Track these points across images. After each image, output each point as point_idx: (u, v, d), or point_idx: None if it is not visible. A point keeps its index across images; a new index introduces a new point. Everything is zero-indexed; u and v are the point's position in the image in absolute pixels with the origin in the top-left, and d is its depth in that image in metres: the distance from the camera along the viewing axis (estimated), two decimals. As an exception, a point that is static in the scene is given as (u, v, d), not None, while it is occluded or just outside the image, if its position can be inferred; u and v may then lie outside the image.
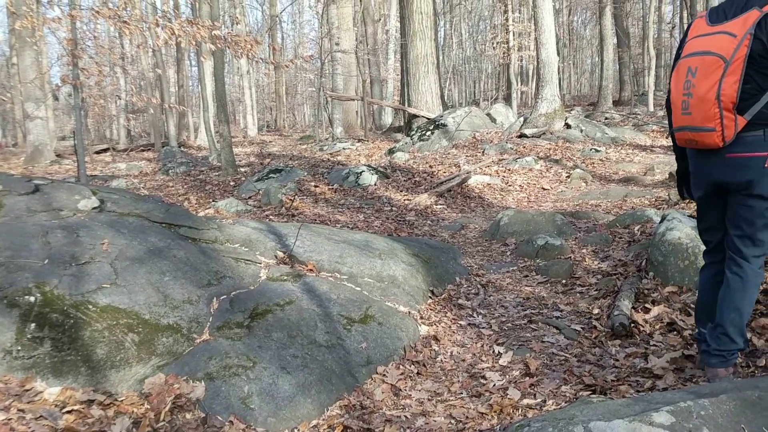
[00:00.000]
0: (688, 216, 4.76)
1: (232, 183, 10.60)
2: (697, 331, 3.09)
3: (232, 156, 11.95)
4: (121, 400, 2.75)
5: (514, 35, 27.53)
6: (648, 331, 3.64)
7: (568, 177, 9.75)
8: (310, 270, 4.17)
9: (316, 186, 9.23)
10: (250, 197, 8.85)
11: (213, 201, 8.74)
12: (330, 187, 9.25)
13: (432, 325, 4.01)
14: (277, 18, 32.22)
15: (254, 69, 27.83)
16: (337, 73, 18.72)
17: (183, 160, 14.94)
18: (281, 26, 40.91)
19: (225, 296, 3.53)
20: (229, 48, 7.93)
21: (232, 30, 21.84)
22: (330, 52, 18.47)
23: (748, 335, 3.32)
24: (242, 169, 12.00)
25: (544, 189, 9.26)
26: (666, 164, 10.22)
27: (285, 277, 3.92)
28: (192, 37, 7.35)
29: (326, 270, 4.25)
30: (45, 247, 3.25)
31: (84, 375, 2.80)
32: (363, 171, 9.57)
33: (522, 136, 13.12)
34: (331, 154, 13.16)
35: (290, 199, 7.96)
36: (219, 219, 4.82)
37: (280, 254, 4.27)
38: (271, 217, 7.31)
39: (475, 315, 4.24)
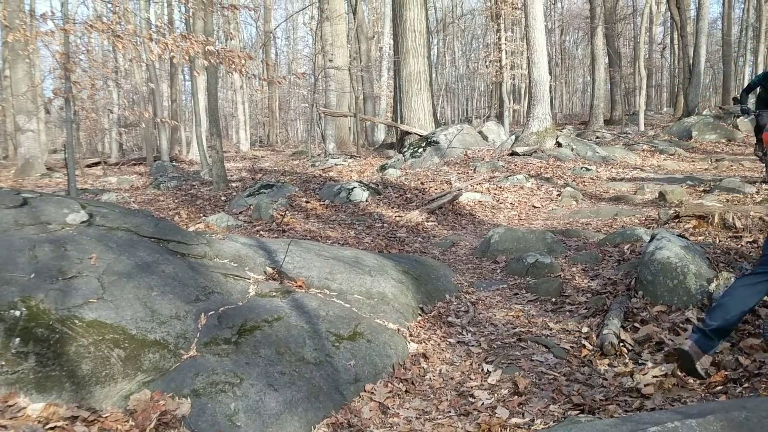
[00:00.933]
0: (678, 235, 4.78)
1: (223, 198, 10.58)
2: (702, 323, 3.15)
3: (223, 171, 11.94)
4: (106, 417, 2.72)
5: (506, 54, 27.73)
6: (637, 351, 3.64)
7: (558, 195, 9.78)
8: (300, 286, 4.16)
9: (307, 202, 9.22)
10: (241, 212, 8.83)
11: (204, 216, 8.72)
12: (321, 203, 9.25)
13: (421, 343, 4.00)
14: (271, 34, 32.37)
15: (247, 84, 27.89)
16: (330, 90, 18.79)
17: (174, 174, 14.91)
18: (275, 42, 41.09)
19: (213, 312, 3.51)
20: (222, 63, 7.94)
21: (226, 45, 21.92)
22: (323, 68, 18.55)
23: (735, 354, 3.33)
24: (234, 184, 11.98)
25: (535, 207, 9.28)
26: (656, 183, 10.28)
27: (274, 294, 3.91)
28: (185, 51, 7.36)
29: (315, 286, 4.24)
30: (32, 261, 3.22)
31: (68, 391, 2.77)
32: (354, 187, 9.57)
33: (513, 154, 13.17)
34: (323, 169, 13.16)
35: (281, 215, 7.94)
36: (209, 234, 4.80)
37: (270, 270, 4.26)
38: (261, 232, 7.29)
39: (464, 333, 4.23)
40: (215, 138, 11.87)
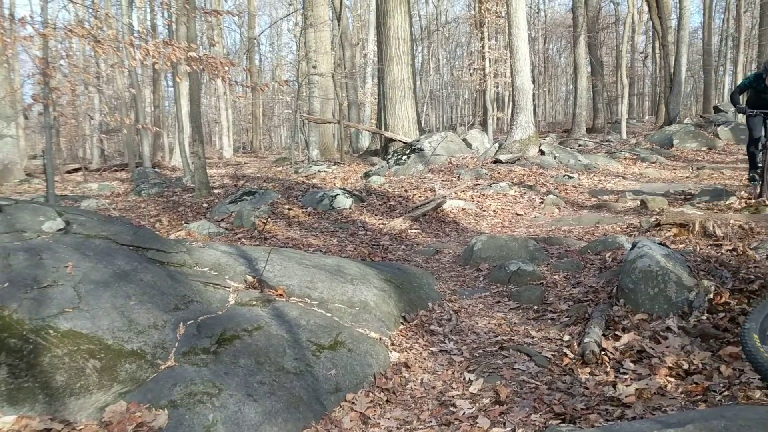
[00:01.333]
0: (658, 243, 4.80)
1: (205, 205, 10.50)
2: None
3: (206, 177, 11.86)
4: (80, 429, 2.67)
5: (490, 62, 27.87)
6: (618, 359, 3.64)
7: (541, 203, 9.81)
8: (280, 295, 4.12)
9: (289, 209, 9.17)
10: (222, 219, 8.76)
11: (185, 223, 8.64)
12: (304, 210, 9.20)
13: (403, 352, 3.97)
14: (255, 40, 32.29)
15: (230, 91, 27.80)
16: (314, 96, 18.76)
17: (156, 180, 14.79)
18: (259, 48, 41.02)
19: (192, 321, 3.47)
20: (205, 70, 7.88)
21: (209, 52, 21.84)
22: (307, 74, 18.52)
23: (715, 363, 3.34)
24: (216, 191, 11.90)
25: (518, 214, 9.30)
26: (637, 191, 10.35)
27: (254, 302, 3.87)
28: (167, 58, 7.30)
29: (296, 295, 4.20)
30: (5, 270, 3.16)
31: (42, 403, 2.71)
32: (338, 194, 9.54)
33: (497, 161, 13.21)
34: (306, 176, 13.12)
35: (263, 222, 7.89)
36: (188, 242, 4.75)
37: (250, 279, 4.22)
38: (243, 240, 7.23)
39: (446, 341, 4.21)
40: (198, 144, 11.79)
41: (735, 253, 5.06)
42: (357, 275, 4.66)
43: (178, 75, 14.21)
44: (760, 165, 7.73)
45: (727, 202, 8.24)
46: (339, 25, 23.01)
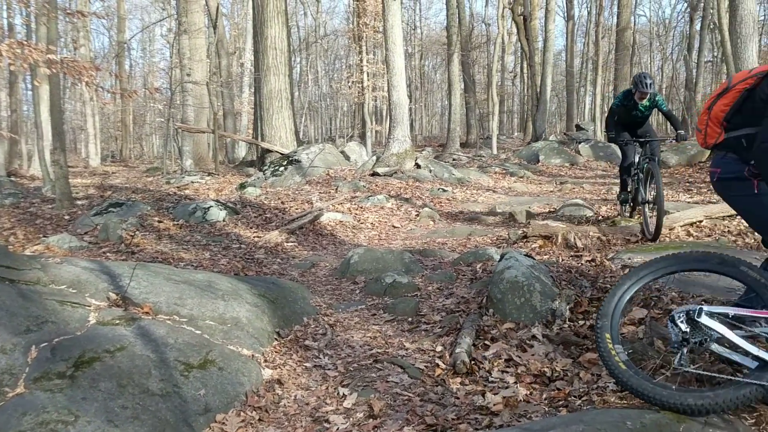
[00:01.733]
0: (525, 255, 5.02)
1: (67, 217, 9.85)
2: None
3: (68, 188, 11.14)
4: None
5: (368, 75, 28.27)
6: (487, 368, 3.74)
7: (417, 215, 10.02)
8: (146, 313, 3.91)
9: (160, 221, 8.79)
10: (86, 233, 8.25)
11: (44, 236, 8.05)
12: (175, 222, 8.85)
13: (276, 368, 3.89)
14: (125, 45, 30.90)
15: (96, 97, 26.41)
16: (188, 104, 18.18)
17: (12, 190, 13.70)
18: (130, 53, 39.29)
19: (46, 343, 3.21)
20: (67, 73, 7.42)
21: (74, 54, 20.64)
22: (181, 82, 17.93)
23: (576, 369, 3.52)
24: (80, 202, 11.21)
25: (395, 227, 9.44)
26: (506, 204, 10.81)
27: (117, 321, 3.64)
28: (23, 60, 6.81)
29: (164, 312, 4.01)
30: None
31: None
32: (211, 206, 9.26)
33: (375, 174, 13.37)
34: (178, 187, 12.65)
35: (131, 235, 7.51)
36: (44, 258, 4.42)
37: (113, 296, 3.98)
38: (108, 254, 6.84)
39: (321, 356, 4.16)
40: (59, 152, 11.05)
41: (594, 264, 5.38)
42: (229, 291, 4.52)
43: (36, 78, 13.29)
44: (629, 190, 7.67)
45: (587, 215, 8.78)
46: (215, 32, 22.50)
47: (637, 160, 7.31)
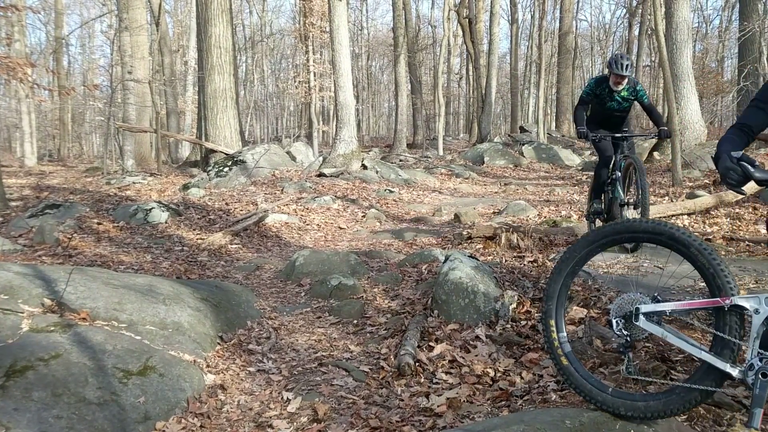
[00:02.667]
0: (469, 256, 5.07)
1: (0, 219, 9.47)
2: None
3: (1, 188, 10.71)
4: None
5: (315, 75, 28.16)
6: (432, 369, 3.77)
7: (363, 216, 10.02)
8: (83, 319, 3.80)
9: (99, 223, 8.54)
10: (20, 235, 7.94)
11: (-26, 239, 7.72)
12: (115, 224, 8.61)
13: (219, 374, 3.83)
14: (63, 41, 29.95)
15: (32, 94, 25.46)
16: (129, 103, 17.73)
17: (-59, 191, 13.09)
18: (68, 50, 38.10)
19: (-26, 353, 3.08)
20: (-1, 70, 7.14)
21: (8, 50, 19.89)
22: (122, 80, 17.48)
23: (518, 369, 3.57)
24: (14, 204, 10.78)
25: (341, 228, 9.42)
26: (452, 205, 10.92)
27: (52, 328, 3.53)
28: (-49, 54, 6.52)
29: (102, 318, 3.90)
30: None
31: None
32: (153, 207, 9.05)
33: (321, 175, 13.32)
34: (119, 188, 12.32)
35: (68, 238, 7.27)
36: (-26, 262, 4.24)
37: (48, 302, 3.85)
38: (44, 258, 6.60)
39: (265, 360, 4.12)
40: (-8, 152, 10.62)
41: (536, 264, 5.48)
42: (170, 295, 4.43)
43: (-34, 74, 12.75)
44: (603, 200, 6.22)
45: (530, 216, 8.95)
46: (158, 30, 21.99)
47: (617, 152, 5.96)
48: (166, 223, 8.80)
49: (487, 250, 6.45)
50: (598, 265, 5.23)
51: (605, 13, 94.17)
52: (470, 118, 35.18)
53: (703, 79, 26.13)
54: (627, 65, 5.74)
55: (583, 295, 4.41)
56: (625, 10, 39.87)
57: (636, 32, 35.31)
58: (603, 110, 6.10)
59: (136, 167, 17.39)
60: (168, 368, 3.57)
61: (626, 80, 5.86)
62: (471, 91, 35.96)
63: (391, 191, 12.29)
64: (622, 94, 5.96)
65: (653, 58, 34.53)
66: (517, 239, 6.47)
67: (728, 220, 7.09)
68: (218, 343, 4.25)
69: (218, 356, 4.07)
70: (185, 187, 12.29)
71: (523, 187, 13.13)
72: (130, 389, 3.29)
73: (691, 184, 10.90)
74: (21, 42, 24.54)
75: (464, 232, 7.29)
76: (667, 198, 9.70)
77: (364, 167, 14.15)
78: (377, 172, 13.97)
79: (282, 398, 3.58)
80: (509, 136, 26.09)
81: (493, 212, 9.89)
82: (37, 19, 31.53)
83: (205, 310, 4.49)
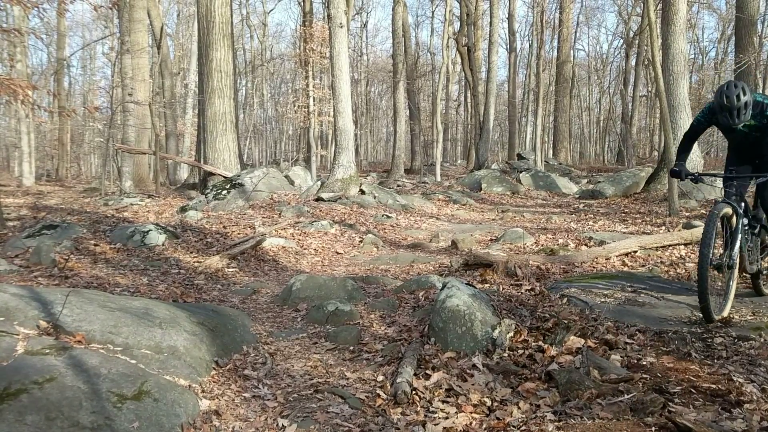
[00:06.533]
0: (466, 283, 5.07)
1: (-4, 239, 9.45)
2: None
3: (-1, 208, 10.71)
4: None
5: (314, 100, 28.34)
6: (428, 398, 3.74)
7: (361, 242, 10.02)
8: (78, 342, 3.78)
9: (96, 245, 8.53)
10: (17, 255, 7.93)
11: (-30, 259, 7.70)
12: (112, 246, 8.60)
13: (214, 399, 3.79)
14: (65, 62, 30.16)
15: (32, 114, 25.54)
16: (129, 125, 17.82)
17: (-62, 210, 13.08)
18: (69, 71, 38.35)
19: (-32, 375, 3.06)
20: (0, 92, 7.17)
21: (10, 71, 20.02)
22: (122, 102, 17.58)
23: (515, 399, 3.55)
24: (11, 223, 10.78)
25: (338, 253, 9.41)
26: (449, 232, 10.93)
27: (47, 351, 3.50)
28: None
29: (98, 341, 3.88)
30: None
31: None
32: (150, 230, 9.04)
33: (319, 199, 13.35)
34: (117, 209, 12.32)
35: (64, 259, 7.25)
36: (-30, 283, 4.23)
37: (44, 324, 3.83)
38: (39, 279, 6.58)
39: (260, 386, 4.09)
40: (-10, 171, 10.64)
41: (533, 293, 5.48)
42: (167, 318, 4.41)
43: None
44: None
45: (527, 244, 8.95)
46: (159, 52, 22.22)
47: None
48: (163, 245, 8.79)
49: (484, 278, 6.44)
50: (596, 294, 5.24)
51: (603, 43, 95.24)
52: (468, 144, 35.38)
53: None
54: (740, 109, 4.53)
55: (581, 324, 4.41)
56: (622, 41, 40.37)
57: (633, 62, 35.72)
58: (735, 143, 5.18)
59: (134, 189, 17.42)
60: (163, 393, 3.54)
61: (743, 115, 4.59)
62: (469, 118, 36.22)
63: (388, 216, 12.30)
64: (746, 124, 4.78)
65: (650, 89, 34.90)
66: (515, 267, 6.47)
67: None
68: (214, 368, 4.22)
69: (213, 381, 4.04)
70: (183, 209, 12.29)
71: (520, 215, 13.16)
72: (125, 414, 3.25)
73: (687, 214, 10.95)
74: (23, 62, 24.71)
75: (461, 259, 7.30)
76: (663, 228, 9.73)
77: (362, 192, 14.18)
78: (375, 197, 14.00)
79: (277, 425, 3.55)
80: (507, 163, 26.24)
81: (491, 239, 9.89)
82: (39, 40, 31.78)
83: (201, 335, 4.46)
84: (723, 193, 4.85)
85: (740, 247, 4.71)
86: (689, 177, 4.96)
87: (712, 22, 79.99)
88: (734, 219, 4.68)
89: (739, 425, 2.86)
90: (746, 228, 4.87)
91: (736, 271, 4.80)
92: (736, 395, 3.20)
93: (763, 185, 4.87)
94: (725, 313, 4.62)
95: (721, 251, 4.70)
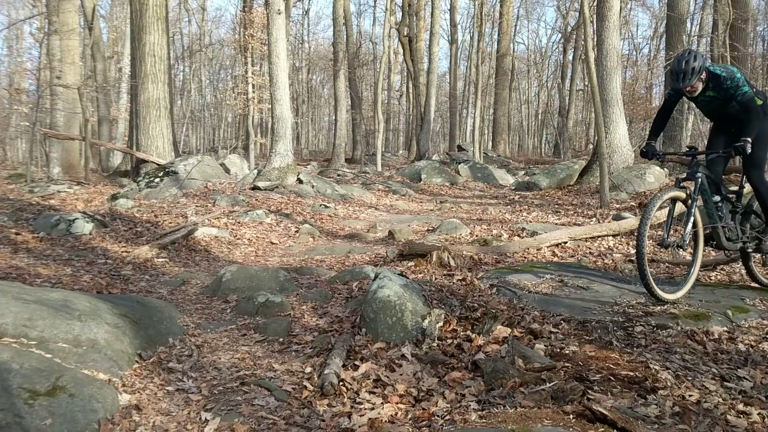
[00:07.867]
0: (398, 274, 5.06)
1: None
2: None
3: None
4: None
5: (254, 87, 27.89)
6: (355, 389, 3.72)
7: (297, 232, 9.92)
8: (-11, 335, 3.60)
9: (17, 233, 8.17)
10: (-70, 245, 7.53)
11: None
12: (35, 235, 8.25)
13: (135, 393, 3.68)
14: (-11, 41, 28.73)
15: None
16: (57, 109, 17.14)
17: None
18: (-6, 51, 36.56)
19: None
20: None
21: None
22: (50, 85, 16.88)
23: (441, 388, 3.57)
24: (-75, 211, 10.23)
25: (273, 243, 9.29)
26: (387, 222, 10.94)
27: (-47, 346, 3.33)
28: None
29: (10, 335, 3.70)
30: None
31: None
32: (77, 218, 8.71)
33: (255, 188, 13.15)
34: (42, 197, 11.84)
35: (-19, 249, 6.92)
36: None
37: (-49, 318, 3.63)
38: (-47, 270, 6.26)
39: (185, 379, 3.99)
40: None
41: (464, 283, 5.52)
42: (87, 310, 4.24)
43: None
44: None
45: (463, 234, 9.04)
46: (91, 34, 21.43)
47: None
48: (90, 234, 8.49)
49: (418, 268, 6.46)
50: (524, 284, 5.31)
51: (542, 37, 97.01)
52: (410, 135, 35.51)
53: (632, 105, 27.19)
54: (686, 72, 4.63)
55: (508, 314, 4.46)
56: (560, 35, 41.22)
57: (570, 57, 36.51)
58: (712, 113, 5.19)
59: (63, 175, 16.78)
60: (79, 388, 3.40)
61: (701, 84, 4.76)
62: (411, 109, 36.35)
63: (326, 206, 12.22)
64: (707, 95, 4.87)
65: (586, 83, 35.74)
66: (448, 257, 6.52)
67: (651, 242, 7.33)
68: (137, 361, 4.10)
69: (136, 375, 3.92)
70: (113, 197, 11.91)
71: (457, 206, 13.28)
72: (36, 411, 3.12)
73: (618, 206, 11.26)
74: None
75: (397, 250, 7.30)
76: (594, 219, 9.98)
77: (300, 181, 14.04)
78: (313, 186, 13.89)
79: (200, 419, 3.47)
80: (447, 154, 26.46)
81: (428, 230, 9.94)
82: (-38, 19, 30.13)
83: (124, 327, 4.32)
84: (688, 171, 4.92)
85: (698, 226, 4.81)
86: (656, 157, 5.04)
87: (646, 20, 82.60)
88: (688, 200, 4.76)
89: (652, 410, 2.94)
90: (719, 205, 4.95)
91: (700, 254, 4.91)
92: (652, 382, 3.30)
93: (744, 161, 4.96)
94: (679, 296, 4.69)
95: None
